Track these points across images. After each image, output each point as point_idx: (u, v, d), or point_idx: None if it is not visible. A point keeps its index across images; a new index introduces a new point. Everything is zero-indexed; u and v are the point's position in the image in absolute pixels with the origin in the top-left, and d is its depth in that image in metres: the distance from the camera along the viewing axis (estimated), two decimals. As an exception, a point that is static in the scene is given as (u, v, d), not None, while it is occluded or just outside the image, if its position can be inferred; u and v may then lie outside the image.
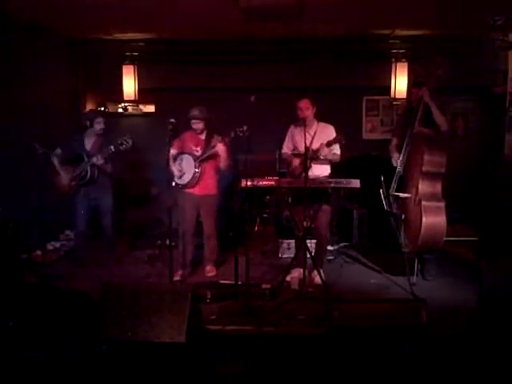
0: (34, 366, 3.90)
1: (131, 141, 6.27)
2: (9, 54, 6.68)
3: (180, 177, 6.11)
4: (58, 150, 6.48)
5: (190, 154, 6.13)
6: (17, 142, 6.28)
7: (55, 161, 6.44)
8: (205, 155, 6.09)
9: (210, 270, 6.34)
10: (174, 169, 6.10)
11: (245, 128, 5.69)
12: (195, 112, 6.11)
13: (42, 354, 3.99)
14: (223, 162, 6.13)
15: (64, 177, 6.45)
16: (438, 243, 5.61)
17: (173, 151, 6.13)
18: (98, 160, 6.30)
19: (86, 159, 6.36)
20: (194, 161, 6.07)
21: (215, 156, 6.13)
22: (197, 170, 6.06)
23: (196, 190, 6.16)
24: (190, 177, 6.08)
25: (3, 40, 6.51)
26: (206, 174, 6.16)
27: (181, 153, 6.16)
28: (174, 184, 6.08)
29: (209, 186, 6.22)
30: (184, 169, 6.10)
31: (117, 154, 6.36)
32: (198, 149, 6.15)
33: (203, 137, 6.22)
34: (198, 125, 6.14)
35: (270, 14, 6.73)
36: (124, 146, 6.25)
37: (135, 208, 8.23)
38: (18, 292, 4.87)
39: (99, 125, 6.55)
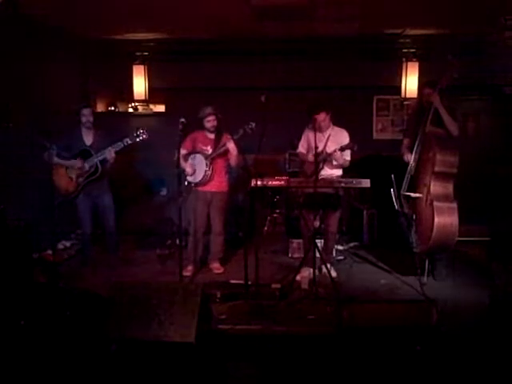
0: (43, 366, 3.92)
1: (147, 133, 6.14)
2: (20, 52, 6.70)
3: (192, 175, 6.17)
4: (54, 148, 6.12)
5: (201, 153, 6.18)
6: (27, 141, 6.30)
7: (56, 158, 6.14)
8: (215, 153, 6.15)
9: (217, 268, 6.40)
10: (186, 167, 6.13)
11: (253, 125, 5.81)
12: (209, 109, 6.16)
13: (52, 354, 4.01)
14: (234, 159, 6.17)
15: (69, 174, 6.24)
16: (449, 244, 5.58)
17: (183, 151, 6.16)
18: (111, 153, 6.11)
19: (94, 154, 6.16)
20: (205, 159, 6.13)
21: (225, 154, 6.20)
22: (208, 169, 6.12)
23: (208, 187, 6.22)
24: (201, 175, 6.13)
25: (15, 39, 6.53)
26: (217, 171, 6.22)
27: (192, 152, 6.21)
28: (186, 183, 6.11)
29: (220, 183, 6.29)
30: (196, 167, 6.16)
31: (125, 150, 6.26)
32: (208, 148, 6.22)
33: (213, 136, 6.26)
34: (213, 122, 6.18)
35: (282, 13, 6.73)
36: (141, 137, 6.12)
37: (144, 207, 8.25)
38: (28, 292, 4.90)
39: (85, 117, 6.29)
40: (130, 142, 6.15)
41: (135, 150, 7.18)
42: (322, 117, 5.94)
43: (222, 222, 6.37)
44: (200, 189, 6.22)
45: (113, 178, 6.66)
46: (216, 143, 6.21)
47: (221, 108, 6.22)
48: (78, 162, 6.22)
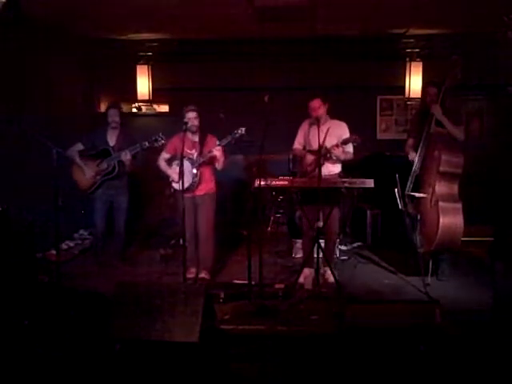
0: (47, 365, 3.93)
1: (164, 138, 6.10)
2: (23, 53, 6.71)
3: (178, 182, 5.76)
4: (79, 146, 6.42)
5: (186, 157, 5.83)
6: (31, 142, 6.30)
7: (76, 156, 6.38)
8: (202, 160, 5.90)
9: (204, 275, 6.10)
10: (172, 173, 6.00)
11: (242, 130, 5.66)
12: (192, 107, 5.98)
13: (56, 353, 4.01)
14: (220, 164, 5.97)
15: (87, 171, 6.37)
16: (454, 244, 5.57)
17: (166, 155, 6.08)
18: (127, 155, 6.19)
19: (113, 154, 6.29)
20: (192, 165, 5.89)
21: (212, 159, 5.98)
22: (195, 172, 5.88)
23: (195, 192, 6.00)
24: (190, 181, 5.87)
25: (17, 39, 6.54)
26: (205, 176, 6.01)
27: (176, 157, 5.92)
28: (172, 190, 6.07)
29: (207, 186, 6.07)
30: (183, 174, 5.74)
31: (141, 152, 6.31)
32: (193, 151, 5.97)
33: (196, 138, 6.03)
34: (195, 120, 5.94)
35: (284, 14, 6.73)
36: (159, 142, 6.09)
37: (149, 206, 8.26)
38: (32, 291, 4.90)
39: (110, 117, 6.43)
40: (147, 145, 6.17)
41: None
42: (316, 104, 5.80)
43: (210, 227, 6.12)
44: (188, 195, 5.90)
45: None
46: (201, 146, 5.98)
47: (224, 108, 6.22)
48: (96, 161, 6.37)
